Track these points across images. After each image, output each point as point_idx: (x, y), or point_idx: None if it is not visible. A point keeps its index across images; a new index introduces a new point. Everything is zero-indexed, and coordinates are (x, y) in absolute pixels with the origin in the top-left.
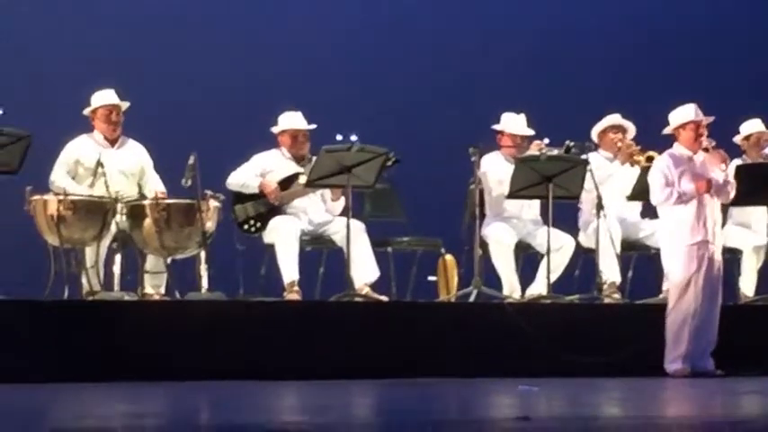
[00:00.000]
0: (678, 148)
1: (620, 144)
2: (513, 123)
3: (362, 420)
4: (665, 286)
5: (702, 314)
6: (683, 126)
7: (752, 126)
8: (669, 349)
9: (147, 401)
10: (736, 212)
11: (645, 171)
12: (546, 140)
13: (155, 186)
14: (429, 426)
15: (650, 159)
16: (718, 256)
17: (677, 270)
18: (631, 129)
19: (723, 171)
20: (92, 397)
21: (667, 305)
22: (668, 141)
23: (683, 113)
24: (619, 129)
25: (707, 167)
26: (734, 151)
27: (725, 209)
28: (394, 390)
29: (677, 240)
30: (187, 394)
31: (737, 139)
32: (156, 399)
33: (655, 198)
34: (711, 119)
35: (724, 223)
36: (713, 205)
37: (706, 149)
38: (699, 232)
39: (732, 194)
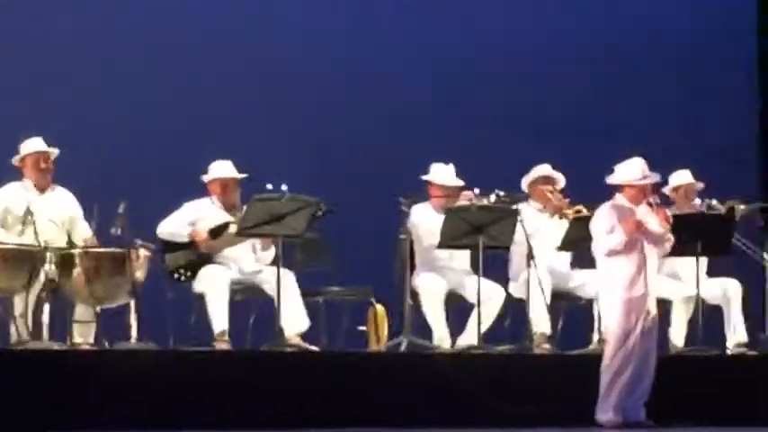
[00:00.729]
0: (621, 200)
1: (549, 196)
2: (442, 174)
3: None
4: (595, 336)
5: (639, 366)
6: (629, 184)
7: (681, 177)
8: (602, 399)
9: None
10: (666, 263)
11: (574, 223)
12: (476, 190)
13: (84, 234)
14: None
15: (579, 212)
16: (654, 309)
17: (615, 323)
18: (561, 180)
19: (666, 229)
20: None
21: (603, 356)
22: (597, 189)
23: (632, 171)
24: (548, 180)
25: (647, 220)
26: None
27: None
28: None
29: (616, 293)
30: None
31: (667, 189)
32: None
33: (599, 248)
34: (658, 177)
35: None
36: (653, 258)
37: (650, 204)
38: (639, 286)
39: (668, 249)
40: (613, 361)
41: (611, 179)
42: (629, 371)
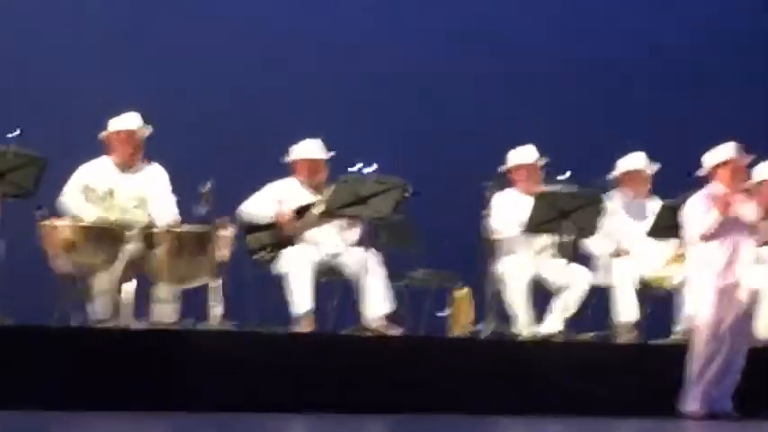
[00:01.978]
0: (714, 187)
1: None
2: (523, 154)
3: None
4: (678, 326)
5: (728, 357)
6: (721, 165)
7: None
8: (689, 389)
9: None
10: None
11: (663, 210)
12: (567, 174)
13: (169, 213)
14: None
15: None
16: (747, 298)
17: (706, 311)
18: (650, 170)
19: (763, 213)
20: (101, 426)
21: (692, 344)
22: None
23: (722, 152)
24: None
25: (743, 208)
26: None
27: None
28: (406, 427)
29: (708, 281)
30: (197, 426)
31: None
32: (161, 430)
33: (691, 233)
34: (750, 158)
35: None
36: (746, 247)
37: (747, 190)
38: (730, 275)
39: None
40: (704, 350)
41: (702, 170)
42: (719, 361)
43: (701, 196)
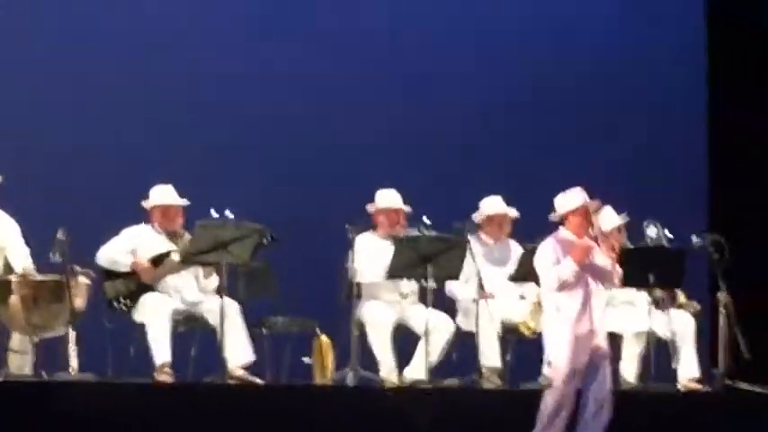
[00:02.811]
0: (564, 234)
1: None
2: (388, 198)
3: None
4: (544, 370)
5: (591, 403)
6: (572, 212)
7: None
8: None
9: None
10: (618, 294)
11: (526, 254)
12: (425, 219)
13: (22, 262)
14: None
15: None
16: (604, 344)
17: (562, 361)
18: (512, 213)
19: (612, 258)
20: None
21: (546, 393)
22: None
23: (572, 199)
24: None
25: (594, 254)
26: None
27: None
28: None
29: (562, 330)
30: None
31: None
32: None
33: (547, 284)
34: (598, 204)
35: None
36: (599, 294)
37: (595, 237)
38: (585, 322)
39: (617, 282)
40: (555, 399)
41: (554, 215)
42: (571, 408)
43: (550, 243)
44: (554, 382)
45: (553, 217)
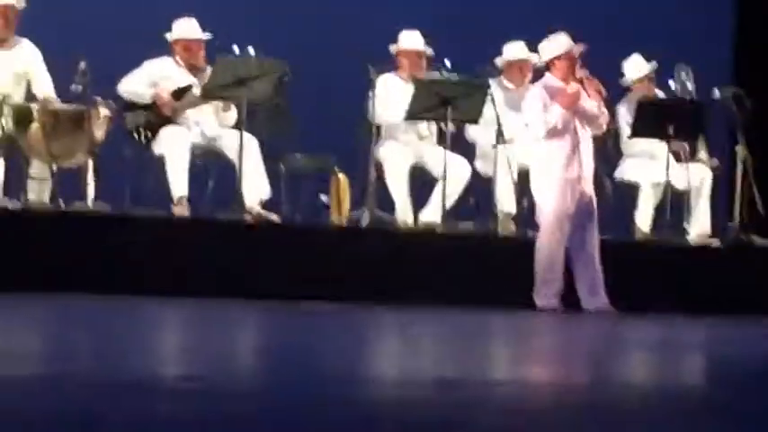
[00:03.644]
0: (551, 79)
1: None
2: (412, 40)
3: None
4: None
5: (579, 250)
6: (557, 57)
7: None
8: (541, 285)
9: (24, 314)
10: (635, 146)
11: None
12: (447, 62)
13: (44, 89)
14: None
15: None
16: (591, 191)
17: (550, 205)
18: (534, 59)
19: (598, 101)
20: None
21: (537, 241)
22: None
23: (556, 44)
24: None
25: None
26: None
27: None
28: (283, 313)
29: (550, 175)
30: (76, 308)
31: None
32: (33, 311)
33: (536, 131)
34: (584, 47)
35: (623, 156)
36: (587, 139)
37: (581, 80)
38: (573, 167)
39: (605, 126)
40: (549, 244)
41: (538, 60)
42: (562, 253)
43: (538, 89)
44: (543, 229)
45: (538, 63)
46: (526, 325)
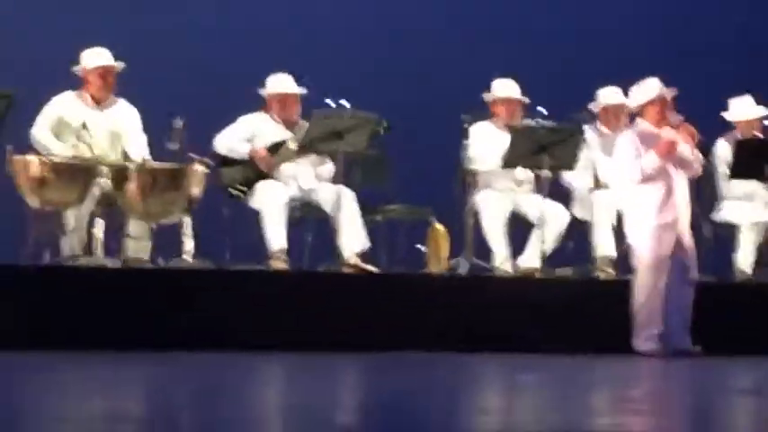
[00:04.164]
0: (643, 125)
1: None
2: (506, 88)
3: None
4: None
5: (675, 294)
6: (649, 102)
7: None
8: (640, 329)
9: (125, 372)
10: (734, 187)
11: None
12: (542, 110)
13: (141, 151)
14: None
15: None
16: (688, 234)
17: (646, 249)
18: (629, 104)
19: (692, 146)
20: (72, 366)
21: (635, 284)
22: None
23: (646, 89)
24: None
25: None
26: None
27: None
28: (386, 364)
29: (646, 220)
30: (173, 365)
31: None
32: (134, 369)
33: (627, 175)
34: (675, 92)
35: (721, 197)
36: (682, 182)
37: (674, 126)
38: (668, 212)
39: (700, 170)
40: (646, 288)
41: (631, 105)
42: (662, 297)
43: (630, 135)
44: (640, 274)
45: (630, 108)
46: (628, 371)
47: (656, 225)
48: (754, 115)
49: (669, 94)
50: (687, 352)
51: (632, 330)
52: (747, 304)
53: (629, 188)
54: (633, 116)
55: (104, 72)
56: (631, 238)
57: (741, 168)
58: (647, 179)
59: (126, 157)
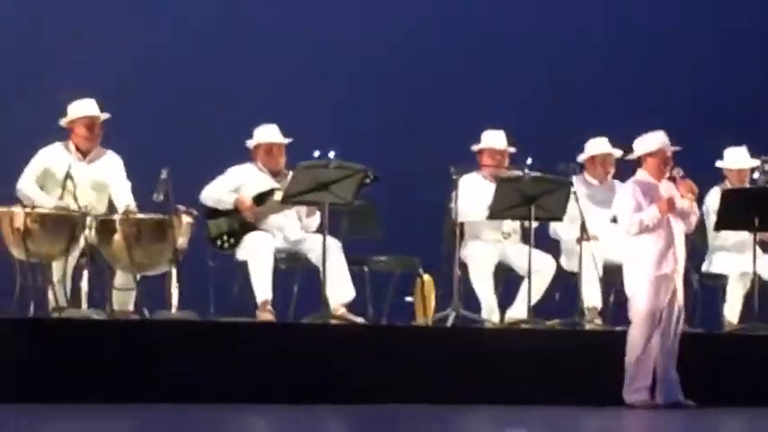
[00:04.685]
0: (643, 175)
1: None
2: (493, 139)
3: None
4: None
5: (667, 344)
6: (650, 154)
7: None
8: (631, 380)
9: (110, 425)
10: (722, 238)
11: None
12: (529, 160)
13: (126, 199)
14: None
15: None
16: (681, 285)
17: (643, 301)
18: (617, 154)
19: (691, 201)
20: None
21: (629, 335)
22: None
23: (652, 141)
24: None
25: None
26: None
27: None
28: (371, 417)
29: (644, 271)
30: (153, 418)
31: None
32: (120, 422)
33: (625, 225)
34: (677, 148)
35: (711, 248)
36: (680, 235)
37: (673, 179)
38: (667, 263)
39: (694, 224)
40: (641, 339)
41: (633, 155)
42: (657, 349)
43: (629, 186)
44: (635, 326)
45: (632, 156)
46: (618, 423)
47: (655, 276)
48: (743, 165)
49: (671, 149)
50: (679, 404)
51: (624, 381)
52: (735, 355)
53: (626, 238)
54: (632, 166)
55: (90, 123)
56: (628, 288)
57: (727, 219)
58: (644, 231)
59: (112, 208)
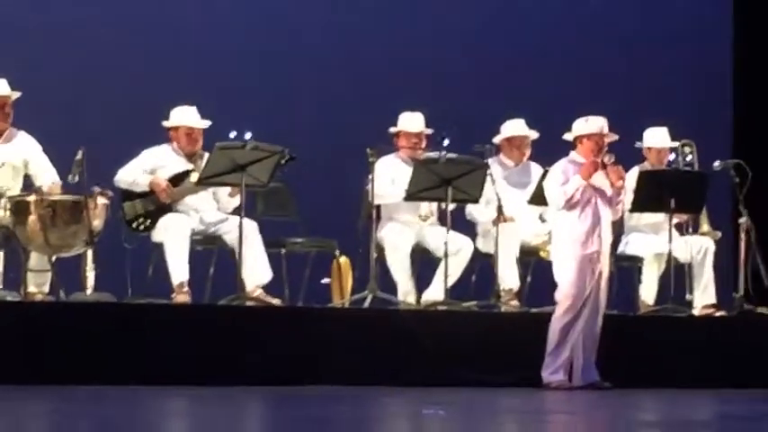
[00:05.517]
0: (575, 157)
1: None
2: (410, 121)
3: None
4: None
5: (589, 326)
6: (585, 136)
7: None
8: (550, 359)
9: (24, 408)
10: (637, 220)
11: (546, 175)
12: (446, 141)
13: (51, 178)
14: None
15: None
16: (607, 267)
17: (569, 281)
18: (533, 135)
19: (620, 188)
20: None
21: (553, 316)
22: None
23: (588, 125)
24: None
25: (601, 181)
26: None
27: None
28: (287, 397)
29: (570, 251)
30: (67, 399)
31: (639, 144)
32: (34, 404)
33: (555, 201)
34: (615, 137)
35: (623, 231)
36: (607, 217)
37: (604, 165)
38: (593, 243)
39: (620, 213)
40: (563, 319)
41: (568, 135)
42: (579, 330)
43: (562, 164)
44: (560, 304)
45: (567, 136)
46: (535, 404)
47: (581, 255)
48: (662, 144)
49: (609, 138)
50: (595, 385)
51: (543, 362)
52: (651, 336)
53: (555, 216)
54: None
55: (0, 102)
56: (555, 269)
57: (643, 201)
58: (570, 204)
59: (26, 188)
